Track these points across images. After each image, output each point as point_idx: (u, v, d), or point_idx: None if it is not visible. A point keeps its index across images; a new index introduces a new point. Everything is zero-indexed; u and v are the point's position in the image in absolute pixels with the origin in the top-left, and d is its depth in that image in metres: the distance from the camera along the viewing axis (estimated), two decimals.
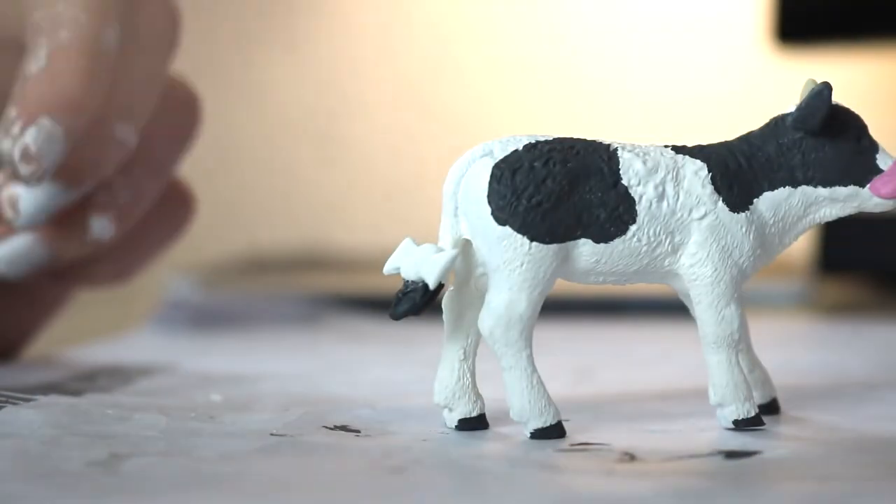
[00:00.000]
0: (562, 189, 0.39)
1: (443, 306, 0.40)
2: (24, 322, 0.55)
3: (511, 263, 0.38)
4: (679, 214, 0.39)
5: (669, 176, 0.39)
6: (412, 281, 0.39)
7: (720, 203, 0.40)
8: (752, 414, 0.40)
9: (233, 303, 0.77)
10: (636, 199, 0.39)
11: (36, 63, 0.45)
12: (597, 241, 0.39)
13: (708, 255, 0.39)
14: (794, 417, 0.42)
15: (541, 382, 0.39)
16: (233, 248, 1.11)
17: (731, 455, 0.37)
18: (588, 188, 0.39)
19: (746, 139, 0.40)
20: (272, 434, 0.39)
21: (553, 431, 0.39)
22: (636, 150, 0.39)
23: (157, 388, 0.49)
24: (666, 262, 0.40)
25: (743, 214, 0.40)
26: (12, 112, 0.45)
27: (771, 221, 0.40)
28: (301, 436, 0.39)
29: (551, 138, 0.39)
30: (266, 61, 1.17)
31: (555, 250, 0.39)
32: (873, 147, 0.40)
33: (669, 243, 0.39)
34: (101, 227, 0.48)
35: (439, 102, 1.16)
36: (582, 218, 0.39)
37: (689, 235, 0.39)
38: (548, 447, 0.38)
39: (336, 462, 0.36)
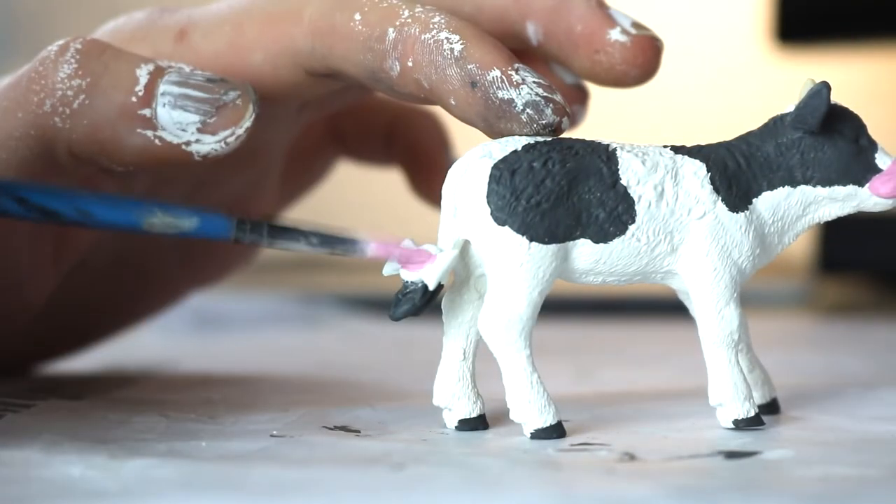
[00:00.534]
0: (561, 189, 0.39)
1: (442, 307, 0.40)
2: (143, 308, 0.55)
3: (510, 264, 0.38)
4: (678, 214, 0.39)
5: (668, 176, 0.39)
6: (412, 282, 0.39)
7: (719, 203, 0.40)
8: (752, 414, 0.40)
9: (233, 303, 0.77)
10: (635, 199, 0.39)
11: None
12: (596, 241, 0.39)
13: (707, 255, 0.40)
14: (794, 417, 0.42)
15: (540, 382, 0.39)
16: None
17: (731, 455, 0.37)
18: (587, 188, 0.39)
19: (745, 139, 0.41)
20: (272, 434, 0.39)
21: (553, 431, 0.39)
22: (635, 150, 0.40)
23: (158, 389, 0.49)
24: (665, 262, 0.40)
25: (742, 214, 0.40)
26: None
27: (770, 221, 0.40)
28: (301, 436, 0.39)
29: (550, 139, 0.39)
30: None
31: (554, 250, 0.39)
32: (872, 146, 0.40)
33: (668, 243, 0.39)
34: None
35: None
36: (581, 218, 0.39)
37: (688, 235, 0.39)
38: (548, 447, 0.38)
39: (336, 462, 0.36)
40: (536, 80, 0.39)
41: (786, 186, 0.40)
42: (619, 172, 0.39)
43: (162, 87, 0.41)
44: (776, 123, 0.40)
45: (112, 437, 0.38)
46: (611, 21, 0.44)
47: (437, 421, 0.41)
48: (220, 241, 0.40)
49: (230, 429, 0.40)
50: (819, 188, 0.40)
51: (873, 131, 0.40)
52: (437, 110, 0.43)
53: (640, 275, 0.40)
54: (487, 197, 0.39)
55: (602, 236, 0.39)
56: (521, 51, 0.43)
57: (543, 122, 0.39)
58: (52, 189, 0.39)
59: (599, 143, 0.40)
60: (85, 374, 0.54)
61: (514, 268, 0.38)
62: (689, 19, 1.14)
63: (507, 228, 0.38)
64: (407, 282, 0.39)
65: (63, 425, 0.39)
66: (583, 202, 0.39)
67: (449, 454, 0.37)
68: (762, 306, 0.84)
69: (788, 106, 0.40)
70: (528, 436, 0.39)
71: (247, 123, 0.42)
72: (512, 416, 0.39)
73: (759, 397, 0.42)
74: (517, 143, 0.39)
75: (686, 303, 0.41)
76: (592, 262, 0.39)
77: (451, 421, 0.40)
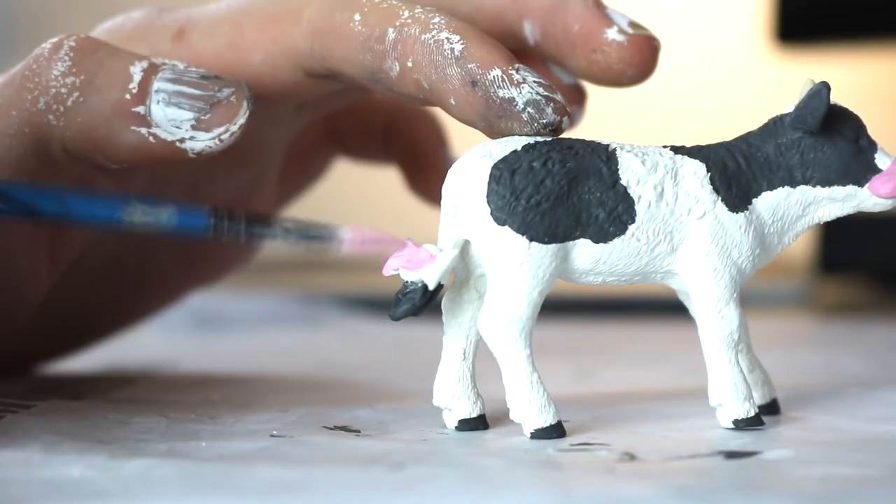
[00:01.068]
0: (561, 189, 0.39)
1: (442, 307, 0.40)
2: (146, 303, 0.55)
3: (510, 263, 0.38)
4: (678, 214, 0.39)
5: (668, 176, 0.39)
6: (412, 282, 0.39)
7: (719, 203, 0.40)
8: (752, 414, 0.40)
9: (233, 303, 0.77)
10: (635, 199, 0.39)
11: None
12: (596, 241, 0.39)
13: (707, 255, 0.40)
14: (794, 417, 0.42)
15: (540, 382, 0.39)
16: None
17: (731, 455, 0.37)
18: (587, 188, 0.39)
19: (745, 139, 0.41)
20: (272, 434, 0.39)
21: (553, 431, 0.39)
22: (635, 150, 0.40)
23: (158, 389, 0.49)
24: (665, 262, 0.40)
25: (742, 214, 0.40)
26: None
27: (770, 221, 0.40)
28: (301, 436, 0.39)
29: (550, 139, 0.39)
30: None
31: (554, 250, 0.39)
32: (872, 146, 0.40)
33: (668, 243, 0.39)
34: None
35: None
36: (581, 218, 0.39)
37: (687, 235, 0.39)
38: (548, 447, 0.38)
39: (336, 462, 0.36)
40: (537, 79, 0.39)
41: (785, 186, 0.40)
42: (619, 172, 0.39)
43: (156, 85, 0.41)
44: (776, 123, 0.40)
45: (112, 437, 0.38)
46: (608, 20, 0.44)
47: (437, 421, 0.41)
48: (201, 238, 0.40)
49: (230, 429, 0.40)
50: (819, 188, 0.40)
51: (873, 131, 0.40)
52: (435, 109, 0.43)
53: (640, 275, 0.40)
54: (487, 197, 0.39)
55: (602, 236, 0.39)
56: (518, 51, 0.43)
57: (544, 121, 0.39)
58: (32, 185, 0.39)
59: (599, 143, 0.40)
60: (85, 374, 0.54)
61: (514, 268, 0.38)
62: (689, 19, 1.14)
63: (507, 228, 0.38)
64: (407, 282, 0.39)
65: (63, 425, 0.39)
66: (583, 202, 0.39)
67: (449, 454, 0.37)
68: (762, 306, 0.84)
69: (788, 106, 0.40)
70: (528, 436, 0.39)
71: (241, 120, 0.42)
72: (512, 416, 0.39)
73: (759, 398, 0.42)
74: (517, 142, 0.39)
75: (686, 303, 0.41)
76: (592, 262, 0.39)
77: (451, 421, 0.40)
